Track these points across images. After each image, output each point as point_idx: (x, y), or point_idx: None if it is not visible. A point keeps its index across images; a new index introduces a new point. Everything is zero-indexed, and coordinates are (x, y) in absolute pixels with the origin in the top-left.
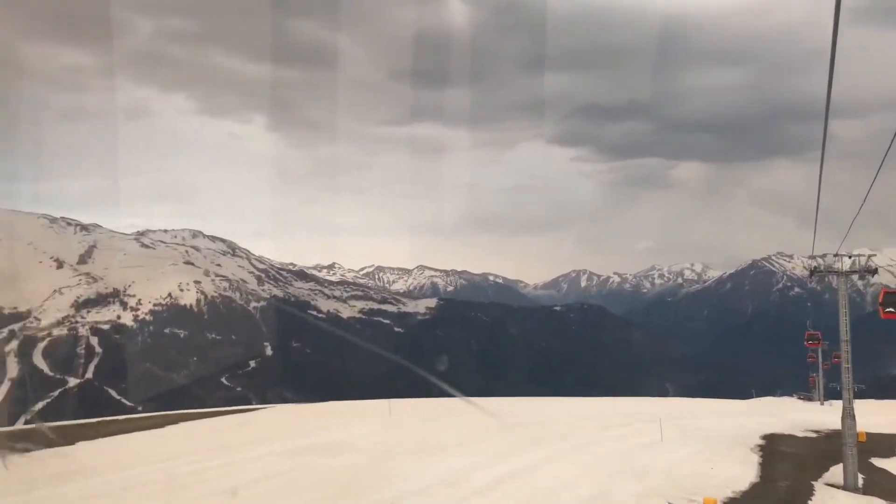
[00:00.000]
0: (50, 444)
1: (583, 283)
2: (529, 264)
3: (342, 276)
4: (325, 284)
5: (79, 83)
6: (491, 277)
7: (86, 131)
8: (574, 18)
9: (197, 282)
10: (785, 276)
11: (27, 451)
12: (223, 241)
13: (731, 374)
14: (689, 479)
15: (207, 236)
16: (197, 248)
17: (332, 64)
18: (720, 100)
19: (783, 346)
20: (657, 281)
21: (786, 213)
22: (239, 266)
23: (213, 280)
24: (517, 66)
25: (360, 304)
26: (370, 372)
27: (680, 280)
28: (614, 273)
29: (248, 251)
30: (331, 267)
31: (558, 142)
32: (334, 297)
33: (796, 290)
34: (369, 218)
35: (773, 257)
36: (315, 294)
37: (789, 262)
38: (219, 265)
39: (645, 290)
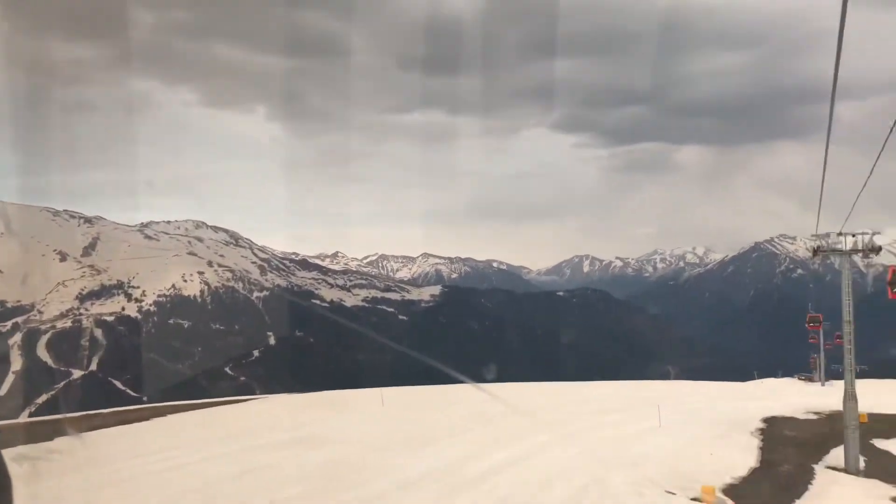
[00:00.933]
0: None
1: (585, 269)
2: (533, 251)
3: (346, 264)
4: (329, 273)
5: (82, 76)
6: (495, 264)
7: (89, 124)
8: (578, 4)
9: (200, 272)
10: (788, 259)
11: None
12: (226, 231)
13: (733, 357)
14: (688, 466)
15: (210, 227)
16: (200, 239)
17: (335, 53)
18: (723, 83)
19: (785, 327)
20: (659, 265)
21: (790, 196)
22: (242, 256)
23: (216, 270)
24: (521, 53)
25: (363, 293)
26: (375, 360)
27: (682, 264)
28: (616, 258)
29: (251, 241)
30: (334, 256)
31: (561, 128)
32: (338, 285)
33: (799, 272)
34: (374, 206)
35: (776, 240)
36: (318, 283)
37: (792, 244)
38: (222, 256)
39: (647, 275)
